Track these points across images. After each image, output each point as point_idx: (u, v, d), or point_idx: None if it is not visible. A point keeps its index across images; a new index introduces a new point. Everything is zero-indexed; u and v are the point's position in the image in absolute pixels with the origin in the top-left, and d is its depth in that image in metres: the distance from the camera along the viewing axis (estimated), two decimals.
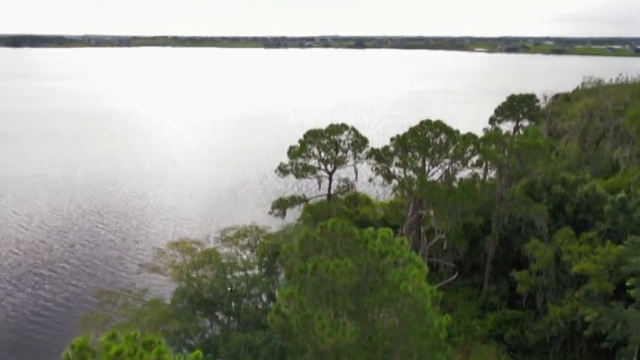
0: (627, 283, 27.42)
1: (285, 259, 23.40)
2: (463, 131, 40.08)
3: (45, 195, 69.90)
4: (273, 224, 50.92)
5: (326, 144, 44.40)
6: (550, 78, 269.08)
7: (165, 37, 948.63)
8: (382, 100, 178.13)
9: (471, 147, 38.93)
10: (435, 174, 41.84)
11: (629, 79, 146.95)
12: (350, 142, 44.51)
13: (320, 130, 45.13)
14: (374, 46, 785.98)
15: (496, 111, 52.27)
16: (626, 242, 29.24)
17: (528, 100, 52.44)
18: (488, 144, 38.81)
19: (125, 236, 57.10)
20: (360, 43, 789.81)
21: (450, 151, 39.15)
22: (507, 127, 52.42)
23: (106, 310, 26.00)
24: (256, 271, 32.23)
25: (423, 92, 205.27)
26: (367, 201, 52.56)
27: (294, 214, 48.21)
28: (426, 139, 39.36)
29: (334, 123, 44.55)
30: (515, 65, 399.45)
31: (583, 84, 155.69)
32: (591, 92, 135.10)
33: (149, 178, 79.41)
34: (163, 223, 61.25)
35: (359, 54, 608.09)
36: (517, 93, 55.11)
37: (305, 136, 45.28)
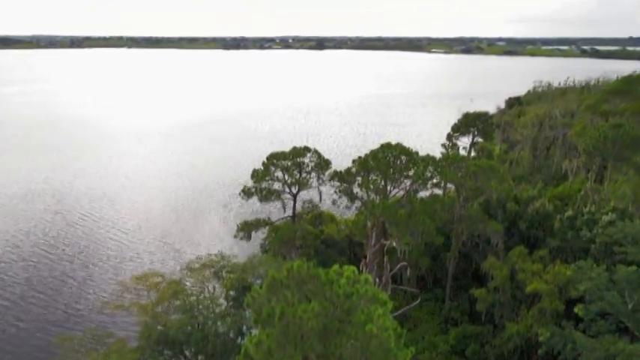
0: (575, 309, 29.32)
1: (253, 303, 23.67)
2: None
3: None
4: (239, 245, 51.20)
5: (289, 166, 44.81)
6: (503, 80, 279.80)
7: (120, 38, 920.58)
8: (342, 104, 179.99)
9: (430, 169, 40.29)
10: (397, 193, 43.14)
11: (576, 82, 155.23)
12: (313, 164, 45.09)
13: (283, 153, 45.50)
14: (334, 47, 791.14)
15: (453, 128, 54.36)
16: (573, 266, 31.22)
17: (482, 117, 54.81)
18: (446, 166, 40.28)
19: (83, 263, 54.06)
20: (320, 43, 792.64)
21: (410, 173, 40.37)
22: (463, 142, 54.59)
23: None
24: (223, 303, 32.31)
25: (383, 96, 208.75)
26: (331, 219, 53.34)
27: (259, 235, 48.33)
28: (386, 161, 40.42)
29: (297, 146, 45.00)
30: (470, 67, 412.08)
31: (534, 88, 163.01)
32: (542, 96, 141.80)
33: (103, 196, 75.42)
34: (123, 247, 58.39)
35: (319, 55, 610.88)
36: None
37: (268, 158, 45.55)
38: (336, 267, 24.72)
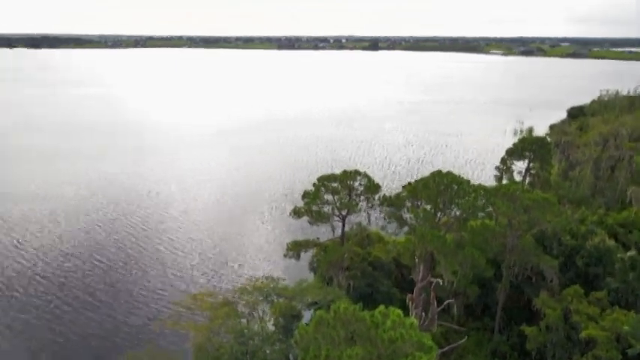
0: None
1: (300, 341, 24.59)
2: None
3: (55, 220, 71.60)
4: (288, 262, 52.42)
5: (339, 189, 45.45)
6: (565, 85, 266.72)
7: (180, 38, 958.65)
8: (393, 111, 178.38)
9: (482, 199, 39.63)
10: (446, 220, 42.70)
11: None
12: (363, 187, 45.50)
13: (333, 175, 46.20)
14: (387, 48, 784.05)
15: (507, 152, 52.93)
16: (632, 318, 29.79)
17: (539, 142, 52.97)
18: (499, 197, 39.45)
19: (134, 275, 55.47)
20: (373, 44, 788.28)
21: (461, 204, 39.87)
22: (518, 167, 53.11)
23: None
24: (271, 328, 33.50)
25: (435, 102, 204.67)
26: (379, 239, 53.49)
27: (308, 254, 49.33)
28: (436, 190, 40.15)
29: (347, 169, 45.57)
30: (530, 70, 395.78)
31: (600, 96, 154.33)
32: (608, 105, 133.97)
33: (157, 203, 77.95)
34: (174, 260, 59.32)
35: (372, 56, 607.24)
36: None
37: (319, 180, 46.44)
38: (382, 308, 25.14)
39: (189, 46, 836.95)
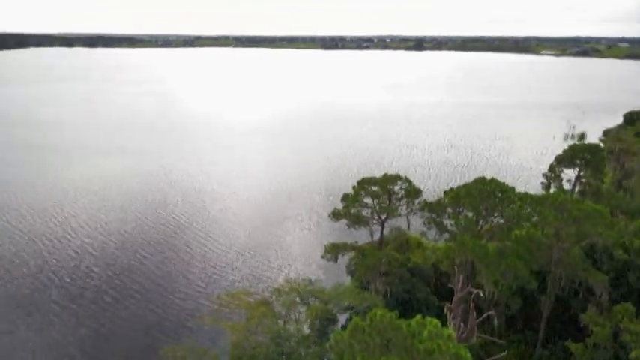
0: None
1: (335, 346, 24.63)
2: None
3: (106, 213, 75.05)
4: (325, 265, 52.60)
5: (379, 193, 45.15)
6: (622, 89, 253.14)
7: (227, 38, 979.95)
8: (439, 114, 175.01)
9: (527, 208, 38.30)
10: (489, 228, 41.53)
11: None
12: (403, 192, 45.00)
13: (373, 179, 46.00)
14: (433, 48, 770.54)
15: (557, 159, 50.71)
16: None
17: (591, 149, 50.42)
18: (546, 206, 37.96)
19: (174, 269, 56.93)
20: (418, 44, 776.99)
21: (505, 212, 38.70)
22: (568, 175, 50.80)
23: None
24: (307, 330, 33.71)
25: (483, 105, 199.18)
26: (419, 244, 52.73)
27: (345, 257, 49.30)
28: (479, 198, 39.13)
29: (388, 174, 45.21)
30: (585, 72, 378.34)
31: None
32: None
33: (196, 200, 79.87)
34: (213, 257, 60.46)
35: (417, 57, 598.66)
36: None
37: (359, 183, 46.32)
38: (418, 317, 24.77)
39: (235, 46, 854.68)
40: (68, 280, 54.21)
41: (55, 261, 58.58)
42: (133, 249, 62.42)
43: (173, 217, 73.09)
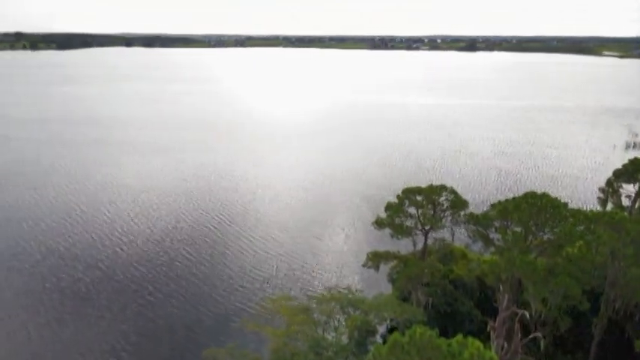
0: None
1: None
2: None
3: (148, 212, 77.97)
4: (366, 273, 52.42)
5: (423, 203, 44.51)
6: None
7: (277, 38, 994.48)
8: (488, 119, 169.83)
9: (581, 227, 36.53)
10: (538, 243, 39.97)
11: None
12: (448, 203, 44.13)
13: (418, 188, 45.35)
14: (486, 48, 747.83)
15: (615, 173, 47.92)
16: None
17: None
18: (601, 225, 36.09)
19: (215, 273, 57.98)
20: (470, 44, 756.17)
21: (556, 229, 37.09)
22: (628, 190, 47.86)
23: None
24: (346, 340, 33.81)
25: (539, 109, 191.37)
26: (463, 255, 51.53)
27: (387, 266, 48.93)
28: (529, 213, 37.71)
29: (434, 184, 44.52)
30: None
31: None
32: None
33: (238, 203, 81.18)
34: (254, 261, 61.13)
35: (468, 58, 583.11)
36: None
37: (403, 192, 45.83)
38: (459, 337, 24.30)
39: (285, 46, 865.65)
40: (119, 276, 56.85)
41: (104, 257, 61.51)
42: (179, 248, 64.62)
43: (218, 219, 75.04)
